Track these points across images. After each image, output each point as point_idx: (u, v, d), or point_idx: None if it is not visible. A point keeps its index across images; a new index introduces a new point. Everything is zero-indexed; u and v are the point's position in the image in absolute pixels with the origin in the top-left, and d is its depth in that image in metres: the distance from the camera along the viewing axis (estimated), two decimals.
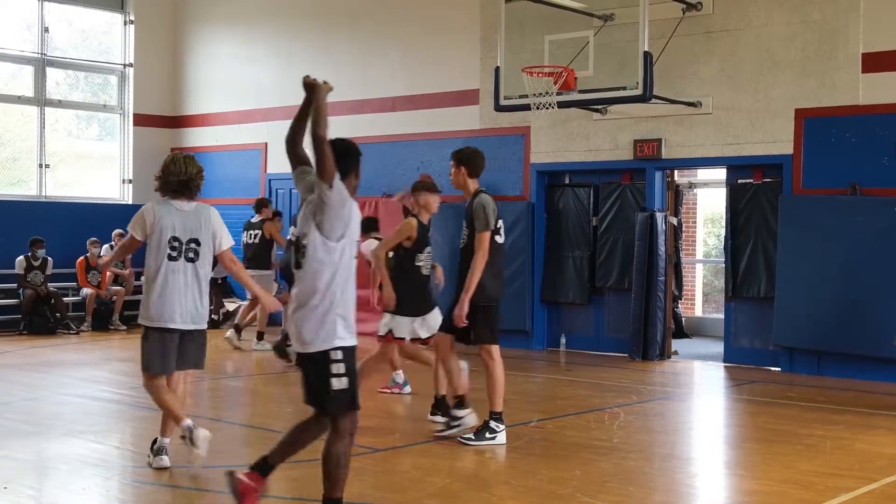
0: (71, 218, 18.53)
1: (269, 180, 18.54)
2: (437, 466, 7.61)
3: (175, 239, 7.03)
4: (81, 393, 11.06)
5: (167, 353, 7.11)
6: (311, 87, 5.57)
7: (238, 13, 19.35)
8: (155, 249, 7.05)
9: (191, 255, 7.08)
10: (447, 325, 8.48)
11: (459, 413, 8.57)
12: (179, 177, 7.07)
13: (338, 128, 18.28)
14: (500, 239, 8.32)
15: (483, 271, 8.13)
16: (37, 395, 11.05)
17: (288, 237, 13.77)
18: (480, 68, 15.53)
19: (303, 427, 5.81)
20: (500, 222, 8.34)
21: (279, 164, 18.12)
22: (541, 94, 12.98)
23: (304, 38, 18.17)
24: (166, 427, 7.30)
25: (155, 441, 7.35)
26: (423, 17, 16.63)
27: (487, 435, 8.28)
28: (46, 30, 18.86)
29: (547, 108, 13.08)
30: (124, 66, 19.88)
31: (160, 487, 6.99)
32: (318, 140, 5.42)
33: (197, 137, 19.88)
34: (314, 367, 5.58)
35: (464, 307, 8.09)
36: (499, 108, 13.80)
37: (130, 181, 19.80)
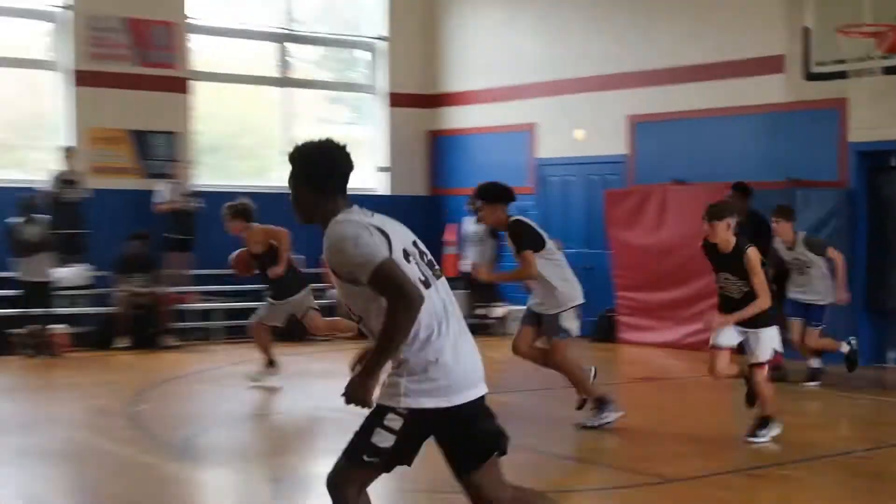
0: None
1: (538, 165, 18.78)
2: (738, 499, 7.58)
3: None
4: None
5: None
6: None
7: None
8: None
9: None
10: None
11: None
12: None
13: (614, 101, 18.09)
14: None
15: None
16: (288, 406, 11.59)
17: None
18: (786, 30, 15.23)
19: None
20: None
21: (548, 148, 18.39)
22: (861, 58, 12.62)
23: (580, 5, 18.37)
24: None
25: None
26: None
27: None
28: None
29: (868, 75, 12.69)
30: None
31: None
32: None
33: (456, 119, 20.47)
34: None
35: None
36: (809, 76, 13.48)
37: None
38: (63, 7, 17.50)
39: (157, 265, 16.78)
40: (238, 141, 20.47)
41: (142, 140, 18.01)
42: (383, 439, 4.65)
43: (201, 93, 18.85)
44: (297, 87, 20.10)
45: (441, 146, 20.77)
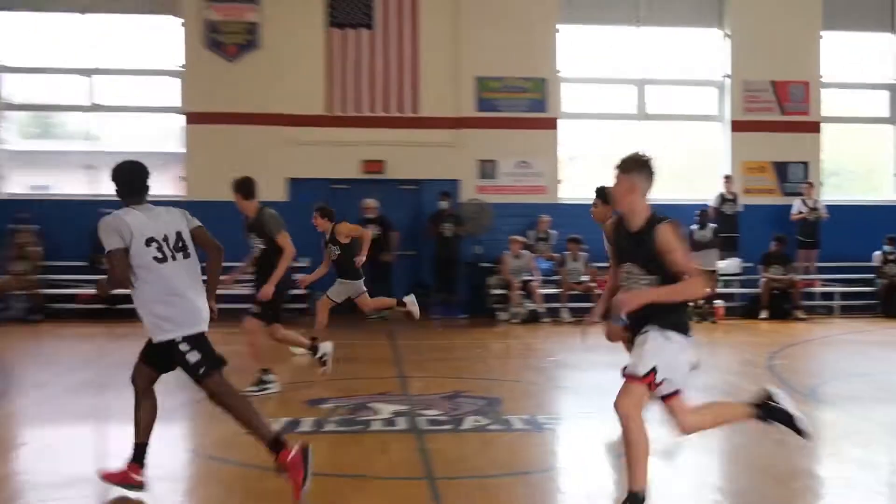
0: None
1: None
2: None
3: None
4: None
5: None
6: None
7: None
8: None
9: None
10: None
11: None
12: None
13: None
14: None
15: None
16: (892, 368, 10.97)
17: None
18: None
19: None
20: None
21: None
22: None
23: None
24: None
25: None
26: None
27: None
28: None
29: None
30: None
31: None
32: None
33: None
34: None
35: None
36: None
37: None
38: (725, 76, 17.68)
39: (791, 259, 16.44)
40: (853, 167, 19.39)
41: (781, 168, 17.68)
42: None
43: (827, 131, 18.05)
44: None
45: None
